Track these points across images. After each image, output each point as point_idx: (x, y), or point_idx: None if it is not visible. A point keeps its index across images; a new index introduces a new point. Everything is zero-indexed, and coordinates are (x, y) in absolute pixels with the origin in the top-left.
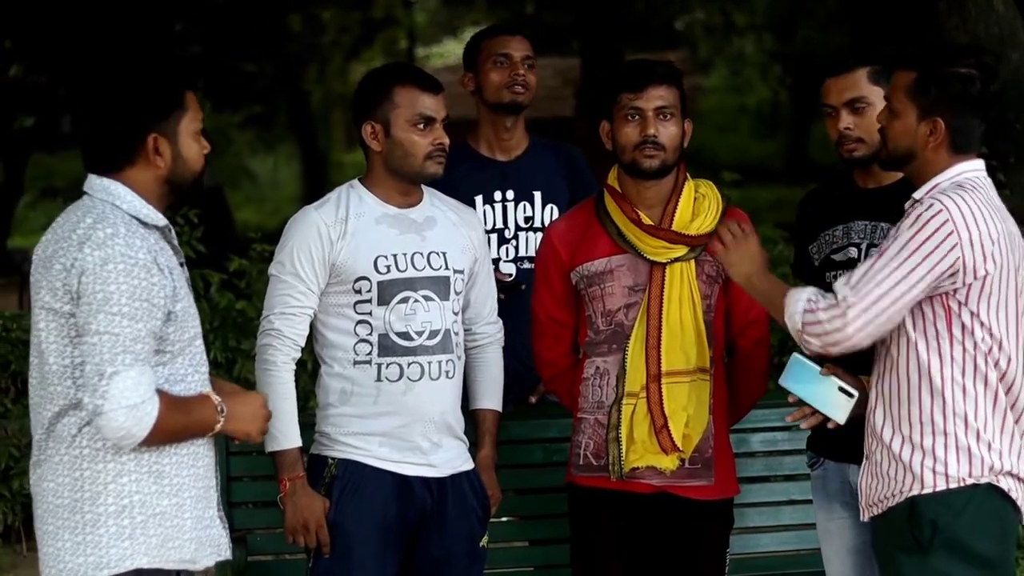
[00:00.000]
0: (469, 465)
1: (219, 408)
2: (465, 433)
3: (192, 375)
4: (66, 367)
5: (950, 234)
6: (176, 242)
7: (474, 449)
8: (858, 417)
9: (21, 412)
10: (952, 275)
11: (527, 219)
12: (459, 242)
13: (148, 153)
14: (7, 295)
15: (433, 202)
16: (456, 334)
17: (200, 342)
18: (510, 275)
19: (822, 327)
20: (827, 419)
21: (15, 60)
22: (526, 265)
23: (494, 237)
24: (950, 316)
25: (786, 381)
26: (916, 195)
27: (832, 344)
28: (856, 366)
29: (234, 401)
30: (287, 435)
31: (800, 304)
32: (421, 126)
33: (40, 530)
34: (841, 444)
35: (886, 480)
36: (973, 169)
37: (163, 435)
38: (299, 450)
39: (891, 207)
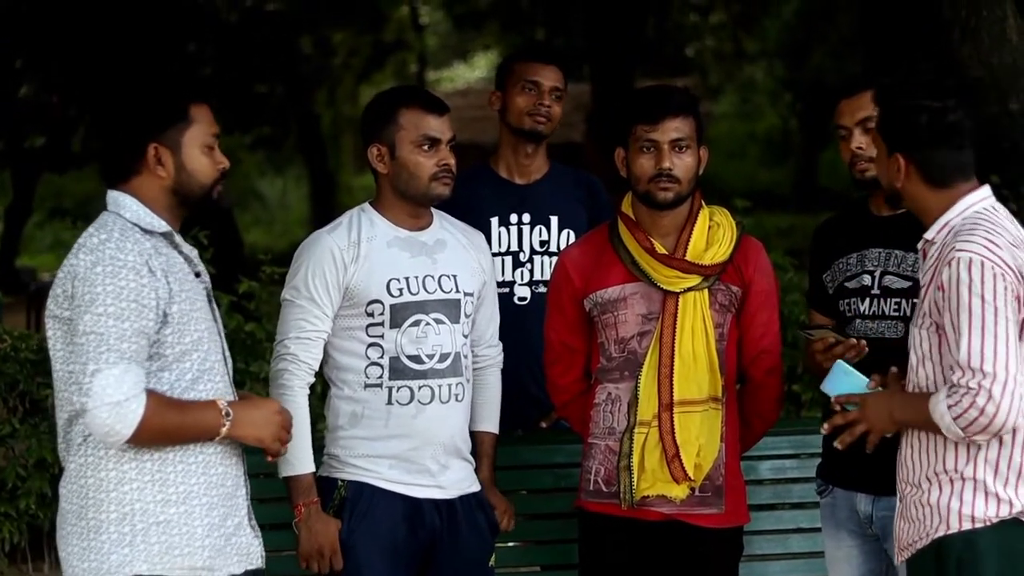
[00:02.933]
0: (476, 486)
1: (224, 412)
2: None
3: (203, 383)
4: (71, 373)
5: (997, 275)
6: (186, 250)
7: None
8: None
9: (28, 432)
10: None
11: (542, 243)
12: (469, 265)
13: (150, 163)
14: (16, 314)
15: (443, 225)
16: (465, 357)
17: (211, 350)
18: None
19: (979, 423)
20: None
21: (26, 80)
22: (540, 289)
23: (508, 260)
24: None
25: (829, 388)
26: (928, 235)
27: (999, 428)
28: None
29: (244, 406)
30: (301, 460)
31: (946, 416)
32: (426, 147)
33: (58, 535)
34: (850, 472)
35: (915, 523)
36: (980, 199)
37: (154, 434)
38: (313, 475)
39: (905, 234)
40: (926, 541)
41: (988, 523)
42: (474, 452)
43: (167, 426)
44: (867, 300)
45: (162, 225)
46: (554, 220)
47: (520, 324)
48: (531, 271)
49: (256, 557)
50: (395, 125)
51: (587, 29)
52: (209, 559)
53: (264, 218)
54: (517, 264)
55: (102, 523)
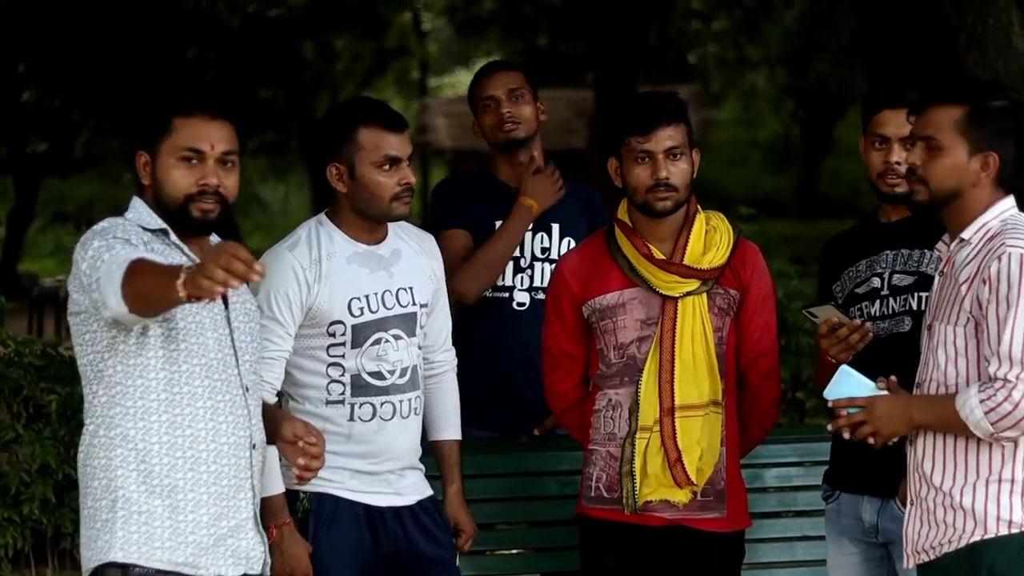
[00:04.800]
0: (430, 491)
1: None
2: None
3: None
4: (84, 363)
5: None
6: (183, 247)
7: (431, 478)
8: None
9: (32, 437)
10: None
11: (544, 250)
12: (423, 273)
13: (139, 169)
14: (18, 319)
15: (397, 233)
16: (420, 368)
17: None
18: None
19: (1012, 417)
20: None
21: (29, 84)
22: (539, 295)
23: (509, 265)
24: None
25: (829, 393)
26: (964, 235)
27: None
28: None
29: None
30: (271, 481)
31: (977, 410)
32: (387, 167)
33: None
34: (856, 477)
35: (942, 527)
36: (1012, 206)
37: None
38: (283, 495)
39: (915, 234)
40: (956, 545)
41: None
42: (442, 464)
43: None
44: (877, 302)
45: (157, 223)
46: (555, 228)
47: (518, 330)
48: (531, 277)
49: (257, 562)
50: (354, 144)
51: (590, 35)
52: (192, 556)
53: (265, 223)
54: (518, 269)
55: (96, 511)
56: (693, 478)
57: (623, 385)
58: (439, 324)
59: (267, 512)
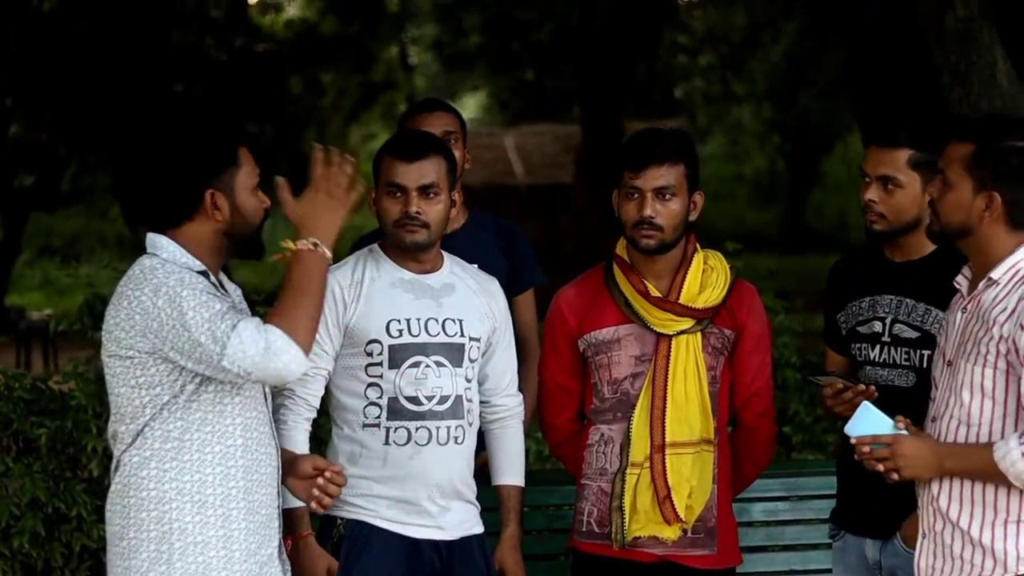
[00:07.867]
0: (479, 529)
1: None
2: (478, 498)
3: (239, 405)
4: (136, 404)
5: None
6: (229, 288)
7: (485, 516)
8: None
9: (22, 471)
10: None
11: None
12: (478, 310)
13: (207, 208)
14: (5, 353)
15: (453, 269)
16: (469, 400)
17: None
18: None
19: None
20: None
21: (16, 118)
22: None
23: None
24: None
25: (851, 429)
26: (994, 275)
27: None
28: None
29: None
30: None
31: (1020, 463)
32: (397, 194)
33: (107, 557)
34: (859, 517)
35: (959, 562)
36: None
37: (309, 332)
38: (306, 508)
39: (917, 283)
40: None
41: None
42: (500, 508)
43: (306, 315)
44: (877, 347)
45: (197, 264)
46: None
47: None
48: None
49: None
50: (378, 172)
51: (577, 70)
52: None
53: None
54: None
55: (142, 542)
56: (682, 515)
57: (616, 420)
58: (500, 368)
59: (288, 523)
